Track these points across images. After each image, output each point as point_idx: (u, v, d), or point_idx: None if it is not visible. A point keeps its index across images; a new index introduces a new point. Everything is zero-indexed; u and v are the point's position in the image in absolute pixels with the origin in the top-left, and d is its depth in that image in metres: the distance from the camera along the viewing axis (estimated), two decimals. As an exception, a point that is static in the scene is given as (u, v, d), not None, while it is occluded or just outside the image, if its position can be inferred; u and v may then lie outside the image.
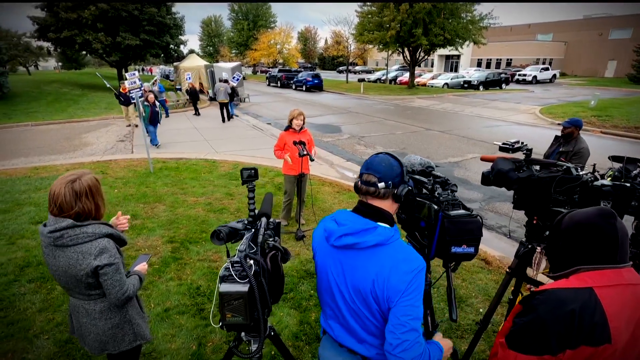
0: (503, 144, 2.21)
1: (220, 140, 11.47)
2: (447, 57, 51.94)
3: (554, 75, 37.97)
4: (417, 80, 32.13)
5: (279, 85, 34.07)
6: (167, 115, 15.76)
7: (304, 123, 4.83)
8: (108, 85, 12.52)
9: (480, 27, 26.40)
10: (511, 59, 48.75)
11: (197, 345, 3.01)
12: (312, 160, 4.71)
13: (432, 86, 31.45)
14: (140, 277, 1.98)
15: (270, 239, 1.68)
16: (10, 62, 42.24)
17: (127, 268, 2.05)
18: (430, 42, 25.41)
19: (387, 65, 39.50)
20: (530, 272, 2.24)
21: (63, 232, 1.66)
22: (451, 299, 1.74)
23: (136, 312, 1.95)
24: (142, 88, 8.61)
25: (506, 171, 2.02)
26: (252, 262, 1.46)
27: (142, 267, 2.08)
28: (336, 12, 66.19)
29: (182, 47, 34.16)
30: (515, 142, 2.18)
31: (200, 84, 22.98)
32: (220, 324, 1.46)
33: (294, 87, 31.51)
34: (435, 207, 1.55)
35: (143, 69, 59.82)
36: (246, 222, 1.66)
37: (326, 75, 46.24)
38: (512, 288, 2.49)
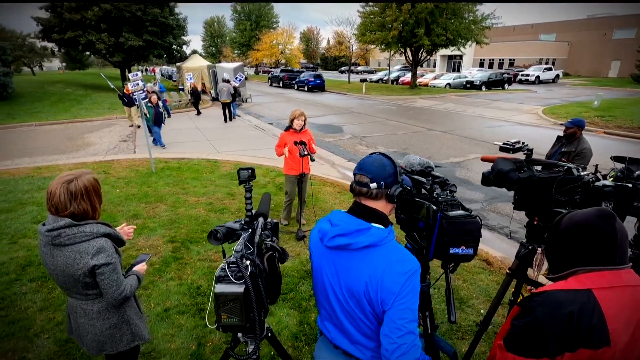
0: (504, 144, 2.19)
1: (222, 140, 11.48)
2: (450, 57, 51.83)
3: (557, 76, 37.80)
4: (419, 80, 32.06)
5: (281, 85, 34.09)
6: (169, 116, 15.80)
7: (304, 123, 4.82)
8: (112, 86, 12.56)
9: (483, 27, 26.31)
10: (514, 59, 48.58)
11: (196, 345, 3.00)
12: (312, 160, 4.70)
13: (434, 86, 31.36)
14: (138, 277, 1.98)
15: (268, 239, 1.67)
16: (14, 63, 42.52)
17: (124, 269, 2.05)
18: (432, 42, 25.35)
19: (389, 65, 39.46)
20: (531, 273, 2.22)
21: (61, 231, 1.66)
22: (450, 301, 1.73)
23: (134, 312, 1.95)
24: (145, 89, 8.63)
25: (506, 171, 2.00)
26: (248, 262, 1.46)
27: (141, 267, 2.08)
28: (338, 13, 66.30)
29: (184, 47, 34.23)
30: (515, 142, 2.17)
31: (203, 84, 23.02)
32: (216, 325, 1.45)
33: (296, 87, 31.53)
34: (434, 207, 1.54)
35: (146, 70, 59.98)
36: (243, 222, 1.66)
37: (328, 75, 46.23)
38: (513, 289, 2.48)
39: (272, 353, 2.91)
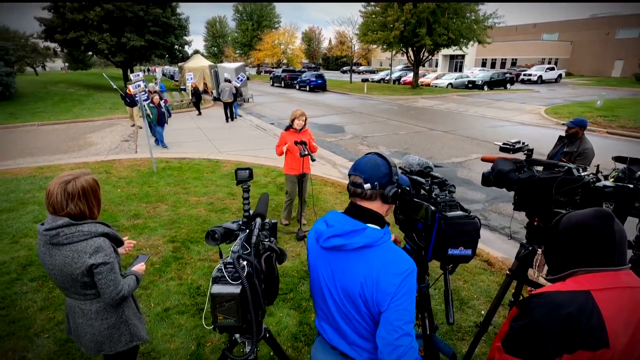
0: (504, 144, 2.18)
1: (223, 140, 11.49)
2: (452, 57, 51.73)
3: (560, 75, 37.65)
4: (421, 80, 32.01)
5: (282, 85, 34.10)
6: (169, 115, 15.82)
7: (305, 123, 4.82)
8: (114, 87, 12.59)
9: (485, 27, 26.23)
10: (516, 59, 48.44)
11: (196, 346, 3.00)
12: (313, 160, 4.70)
13: (436, 86, 31.31)
14: (137, 277, 1.97)
15: (266, 240, 1.67)
16: (18, 63, 42.69)
17: (124, 269, 2.05)
18: (434, 42, 25.29)
19: (391, 65, 39.40)
20: (532, 274, 2.21)
21: (59, 230, 1.66)
22: (448, 302, 1.72)
23: (132, 312, 1.95)
24: (147, 89, 8.65)
25: (506, 172, 1.99)
26: (245, 263, 1.45)
27: (139, 267, 2.08)
28: (340, 13, 66.19)
29: (186, 47, 34.32)
30: (516, 143, 2.15)
31: (205, 84, 23.06)
32: (213, 325, 1.44)
33: (297, 87, 31.53)
34: (432, 208, 1.53)
35: (149, 70, 60.12)
36: (241, 222, 1.65)
37: (330, 75, 46.21)
38: (514, 290, 2.47)
39: (271, 354, 2.90)
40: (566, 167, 1.91)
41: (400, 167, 1.89)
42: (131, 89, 7.85)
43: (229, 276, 1.40)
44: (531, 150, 2.11)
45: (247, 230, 1.62)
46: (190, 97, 17.37)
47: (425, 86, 31.53)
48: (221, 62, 46.39)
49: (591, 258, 1.18)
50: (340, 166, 8.85)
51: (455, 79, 31.08)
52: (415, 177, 1.74)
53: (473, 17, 25.89)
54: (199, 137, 11.97)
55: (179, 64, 30.96)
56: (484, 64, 50.41)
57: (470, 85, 29.91)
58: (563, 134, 4.91)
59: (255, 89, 29.01)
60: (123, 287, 1.80)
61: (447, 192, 1.61)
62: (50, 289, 3.71)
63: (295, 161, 4.81)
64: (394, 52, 30.74)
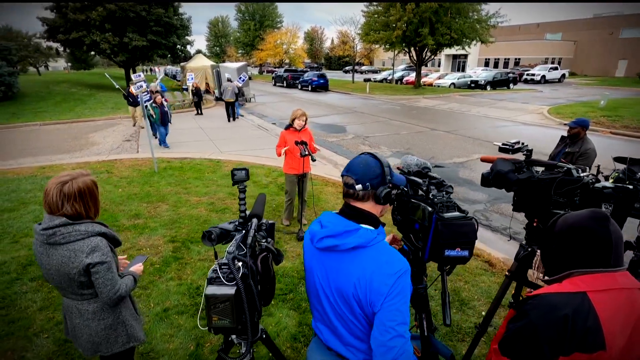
0: (503, 144, 2.16)
1: (224, 140, 11.50)
2: (454, 56, 51.60)
3: (563, 75, 37.50)
4: (423, 80, 31.95)
5: (285, 85, 34.11)
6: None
7: (305, 123, 4.81)
8: (117, 86, 12.61)
9: (488, 26, 26.15)
10: (519, 59, 48.27)
11: (195, 346, 3.00)
12: (313, 160, 4.69)
13: (438, 86, 31.26)
14: (134, 277, 1.97)
15: (263, 241, 1.66)
16: (20, 63, 42.87)
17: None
18: (436, 41, 25.24)
19: (393, 65, 39.34)
20: (532, 275, 2.19)
21: (56, 229, 1.66)
22: (445, 303, 1.71)
23: (130, 313, 1.94)
24: (149, 89, 8.66)
25: (505, 172, 1.98)
26: (240, 264, 1.44)
27: (137, 267, 2.07)
28: (342, 12, 66.16)
29: (188, 47, 34.36)
30: (515, 143, 2.14)
31: (207, 84, 23.09)
32: (208, 326, 1.44)
33: (299, 87, 31.51)
34: (429, 209, 1.52)
35: (151, 70, 60.28)
36: (237, 223, 1.64)
37: (332, 75, 46.17)
38: (513, 292, 2.45)
39: (270, 355, 2.90)
40: (565, 168, 1.89)
41: (398, 168, 1.88)
42: (134, 89, 7.86)
43: (223, 277, 1.39)
44: (530, 151, 2.10)
45: (244, 231, 1.61)
46: (192, 97, 17.40)
47: (428, 86, 31.47)
48: (223, 62, 46.48)
49: (587, 259, 1.17)
50: (341, 166, 8.84)
51: (458, 79, 31.00)
52: (412, 177, 1.73)
53: (476, 17, 25.81)
54: (201, 137, 11.98)
55: (181, 64, 31.01)
56: (486, 64, 50.26)
57: (472, 85, 29.83)
58: (565, 134, 4.88)
59: (257, 89, 29.03)
60: (120, 287, 1.80)
61: (444, 192, 1.59)
62: (50, 288, 3.72)
63: (296, 161, 4.80)
64: (396, 52, 30.73)
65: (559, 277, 1.24)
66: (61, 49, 30.83)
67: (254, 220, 1.61)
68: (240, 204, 1.67)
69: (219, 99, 20.17)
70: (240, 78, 16.40)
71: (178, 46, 31.37)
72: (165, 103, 10.48)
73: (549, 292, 1.19)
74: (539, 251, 2.10)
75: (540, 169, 2.09)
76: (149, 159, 8.49)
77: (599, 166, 2.25)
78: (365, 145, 11.02)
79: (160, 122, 10.14)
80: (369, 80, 37.00)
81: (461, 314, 3.47)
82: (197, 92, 16.67)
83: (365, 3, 28.93)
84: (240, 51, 61.98)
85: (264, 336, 1.76)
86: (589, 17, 48.39)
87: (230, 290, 1.36)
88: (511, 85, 30.33)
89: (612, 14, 45.65)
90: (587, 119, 4.76)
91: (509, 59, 49.70)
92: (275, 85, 36.45)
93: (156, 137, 11.24)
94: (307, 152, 4.51)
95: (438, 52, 29.49)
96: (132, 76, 8.53)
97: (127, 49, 26.48)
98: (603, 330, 1.09)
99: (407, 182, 1.74)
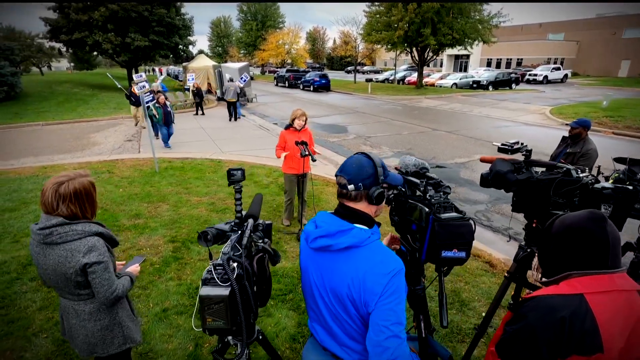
0: (502, 144, 2.15)
1: (226, 140, 11.50)
2: (457, 56, 51.48)
3: (566, 75, 37.36)
4: (425, 80, 31.88)
5: (286, 85, 34.13)
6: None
7: (305, 123, 4.81)
8: (119, 86, 12.64)
9: (490, 26, 26.08)
10: (522, 59, 48.13)
11: (193, 346, 2.99)
12: (313, 160, 4.68)
13: (440, 86, 31.18)
14: (131, 278, 1.96)
15: (260, 241, 1.65)
16: (24, 63, 43.06)
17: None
18: (438, 41, 25.19)
19: (395, 65, 39.30)
20: (531, 277, 2.18)
21: (52, 229, 1.66)
22: (442, 305, 1.69)
23: (126, 314, 1.94)
24: (151, 90, 8.67)
25: (504, 173, 1.96)
26: (235, 265, 1.43)
27: (133, 268, 2.07)
28: (344, 13, 66.15)
29: (191, 47, 34.40)
30: (514, 143, 2.12)
31: (209, 84, 23.12)
32: (202, 327, 1.43)
33: (301, 87, 31.52)
34: (426, 209, 1.51)
35: (153, 70, 60.40)
36: (233, 223, 1.63)
37: (334, 75, 46.16)
38: (513, 293, 2.43)
39: (268, 356, 2.89)
40: (565, 168, 1.88)
41: (396, 168, 1.87)
42: (136, 89, 7.86)
43: (218, 278, 1.38)
44: (529, 151, 2.08)
45: (239, 232, 1.61)
46: (193, 97, 17.46)
47: (430, 86, 31.39)
48: (225, 62, 46.52)
49: (584, 261, 1.16)
50: (342, 166, 8.82)
51: (460, 79, 30.92)
52: (410, 178, 1.72)
53: (478, 17, 25.75)
54: (202, 137, 11.99)
55: (183, 64, 31.07)
56: (489, 64, 50.12)
57: (475, 86, 29.75)
58: (567, 134, 4.86)
59: (259, 89, 29.05)
60: (117, 287, 1.79)
61: (441, 193, 1.58)
62: (49, 288, 3.72)
63: (295, 160, 4.80)
64: (398, 52, 30.68)
65: (556, 279, 1.23)
66: (64, 49, 30.89)
67: (250, 221, 1.61)
68: (237, 204, 1.66)
69: (221, 99, 20.20)
70: (241, 78, 16.42)
71: (180, 46, 31.37)
72: (168, 103, 10.48)
73: (547, 294, 1.18)
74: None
75: (539, 169, 2.08)
76: (150, 159, 8.50)
77: (599, 167, 2.24)
78: (366, 145, 11.00)
79: (163, 122, 10.14)
80: (370, 80, 36.96)
81: (461, 315, 3.46)
82: (198, 93, 16.69)
83: (367, 3, 28.93)
84: (242, 51, 62.04)
85: (261, 337, 1.76)
86: (592, 17, 48.20)
87: (224, 291, 1.35)
88: (513, 86, 30.23)
89: (615, 14, 45.44)
90: (588, 120, 4.74)
91: (511, 59, 49.56)
92: (277, 85, 36.47)
93: (157, 137, 11.26)
94: (307, 152, 4.50)
95: (440, 52, 29.41)
96: (134, 76, 8.55)
97: (130, 49, 26.51)
98: (601, 333, 1.07)
99: (405, 182, 1.73)
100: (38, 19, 26.64)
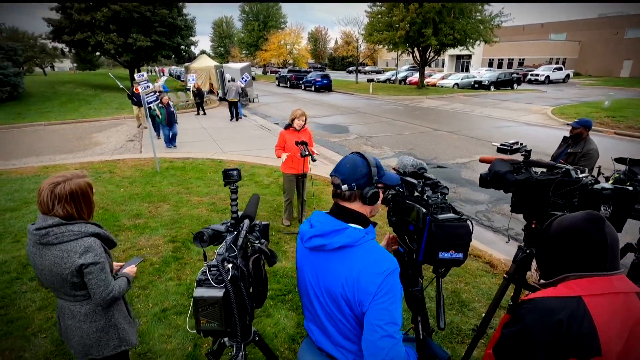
0: (501, 144, 2.13)
1: (227, 140, 11.51)
2: (458, 57, 51.38)
3: (567, 75, 37.24)
4: (427, 80, 31.85)
5: (288, 85, 34.16)
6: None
7: (305, 123, 4.80)
8: (121, 86, 12.66)
9: (492, 26, 26.02)
10: (523, 59, 48.00)
11: (192, 347, 2.99)
12: (314, 160, 4.68)
13: (442, 86, 31.12)
14: (128, 279, 1.95)
15: (257, 242, 1.64)
16: (27, 63, 43.17)
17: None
18: (440, 42, 25.15)
19: (396, 65, 39.26)
20: (530, 278, 2.17)
21: (49, 229, 1.66)
22: (440, 306, 1.68)
23: (123, 316, 1.92)
24: (155, 89, 8.67)
25: (503, 173, 1.95)
26: (230, 266, 1.43)
27: (130, 269, 2.06)
28: (346, 13, 66.10)
29: (192, 48, 34.45)
30: (513, 143, 2.11)
31: (211, 84, 23.16)
32: (196, 329, 1.42)
33: (303, 87, 31.55)
34: (424, 210, 1.50)
35: (156, 70, 60.51)
36: (229, 224, 1.63)
37: (336, 75, 46.15)
38: (512, 294, 2.42)
39: (265, 358, 2.88)
40: (564, 169, 1.86)
41: (394, 168, 1.86)
42: (140, 90, 7.86)
43: (212, 279, 1.38)
44: (529, 151, 2.07)
45: (235, 232, 1.60)
46: (193, 97, 17.51)
47: (431, 86, 31.35)
48: (227, 62, 46.58)
49: (582, 262, 1.15)
50: (343, 166, 8.80)
51: (462, 79, 30.86)
52: (408, 178, 1.71)
53: (479, 17, 25.69)
54: (204, 137, 12.01)
55: (185, 64, 31.14)
56: (490, 64, 50.01)
57: (476, 86, 29.69)
58: (568, 134, 4.83)
59: (261, 89, 29.07)
60: (114, 288, 1.78)
61: (439, 194, 1.57)
62: (48, 289, 3.72)
63: (295, 160, 4.79)
64: (399, 52, 30.65)
65: (554, 281, 1.22)
66: (66, 49, 30.99)
67: (246, 222, 1.60)
68: (232, 205, 1.65)
69: (222, 99, 20.23)
70: (242, 78, 16.45)
71: (182, 47, 31.45)
72: (171, 103, 10.49)
73: (544, 296, 1.17)
74: (538, 253, 2.07)
75: (539, 169, 2.07)
76: (151, 159, 8.51)
77: (599, 167, 2.22)
78: (367, 145, 10.99)
79: (166, 122, 10.14)
80: (372, 80, 36.95)
81: (461, 315, 3.44)
82: (198, 93, 16.73)
83: (368, 3, 28.90)
84: (244, 52, 62.13)
85: (257, 338, 1.75)
86: (594, 17, 48.02)
87: (218, 292, 1.35)
88: (515, 86, 30.15)
89: (617, 14, 45.27)
90: (589, 120, 4.71)
91: (512, 59, 49.44)
92: (278, 85, 36.50)
93: (159, 138, 11.28)
94: (307, 153, 4.50)
95: (441, 52, 29.37)
96: (135, 76, 8.56)
97: (132, 50, 26.58)
98: (599, 336, 1.06)
99: (403, 182, 1.72)
100: (41, 20, 26.75)
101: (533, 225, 2.04)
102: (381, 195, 1.47)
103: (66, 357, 2.84)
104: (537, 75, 35.74)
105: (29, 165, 8.50)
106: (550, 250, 1.23)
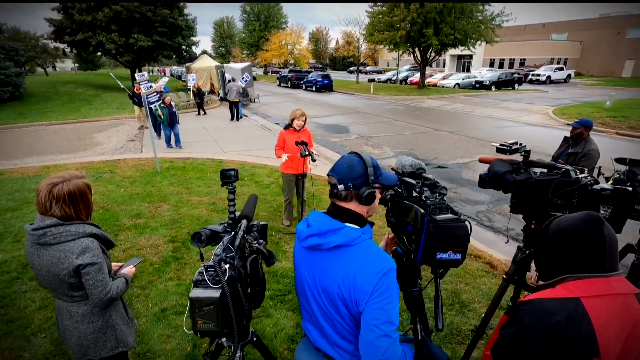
0: (500, 145, 2.12)
1: (228, 140, 11.51)
2: (459, 57, 51.35)
3: (569, 75, 37.16)
4: (428, 80, 31.82)
5: (289, 85, 34.16)
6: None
7: (304, 123, 4.80)
8: (122, 86, 12.67)
9: (493, 26, 25.97)
10: (524, 59, 47.92)
11: (191, 347, 2.98)
12: (314, 160, 4.67)
13: (443, 86, 31.09)
14: (126, 280, 1.95)
15: (255, 242, 1.64)
16: (28, 63, 43.27)
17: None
18: (440, 42, 25.12)
19: (397, 65, 39.23)
20: (530, 278, 2.16)
21: (46, 230, 1.65)
22: (438, 307, 1.68)
23: (120, 317, 1.92)
24: (157, 89, 8.68)
25: (502, 173, 1.94)
26: (227, 266, 1.42)
27: (129, 269, 2.05)
28: (347, 13, 66.12)
29: (194, 48, 34.50)
30: (513, 143, 2.10)
31: (212, 84, 23.18)
32: (193, 330, 1.42)
33: (304, 87, 31.55)
34: (422, 210, 1.49)
35: (158, 70, 60.58)
36: (226, 224, 1.62)
37: (337, 75, 46.12)
38: (512, 295, 2.41)
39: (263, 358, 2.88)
40: (563, 169, 1.86)
41: (392, 169, 1.86)
42: (143, 90, 7.86)
43: (209, 280, 1.37)
44: (528, 152, 2.06)
45: (232, 233, 1.59)
46: (193, 97, 17.54)
47: (432, 86, 31.32)
48: (228, 62, 46.63)
49: (581, 264, 1.14)
50: (343, 167, 8.79)
51: (463, 79, 30.82)
52: (406, 178, 1.70)
53: (479, 17, 25.66)
54: (204, 137, 12.01)
55: (186, 65, 31.18)
56: (491, 64, 49.94)
57: (477, 86, 29.65)
58: (568, 134, 4.82)
59: (262, 89, 29.08)
60: (111, 289, 1.78)
61: (437, 194, 1.56)
62: (46, 289, 3.72)
63: (294, 160, 4.79)
64: (400, 52, 30.63)
65: (552, 282, 1.21)
66: (68, 49, 31.06)
67: (244, 222, 1.59)
68: (230, 205, 1.65)
69: (223, 99, 20.25)
70: (242, 78, 16.45)
71: (183, 47, 31.51)
72: (173, 104, 10.48)
73: (542, 297, 1.16)
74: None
75: (538, 170, 2.06)
76: (152, 159, 8.51)
77: (599, 167, 2.22)
78: (368, 145, 10.98)
79: (168, 122, 10.14)
80: (373, 80, 36.93)
81: (461, 316, 3.43)
82: (198, 93, 16.75)
83: (369, 3, 28.89)
84: (245, 52, 62.18)
85: (255, 339, 1.74)
86: (596, 17, 47.90)
87: (215, 293, 1.34)
88: (516, 86, 30.11)
89: (619, 14, 45.14)
90: (590, 120, 4.70)
91: (514, 59, 49.37)
92: (279, 85, 36.51)
93: (159, 138, 11.28)
94: (307, 153, 4.49)
95: (442, 52, 29.33)
96: (136, 76, 8.57)
97: (133, 50, 26.64)
98: (597, 337, 1.05)
99: (401, 183, 1.71)
100: (43, 20, 26.82)
101: (532, 226, 2.04)
102: (378, 195, 1.46)
103: (65, 357, 2.84)
104: (539, 75, 35.69)
105: (30, 165, 8.52)
106: (548, 251, 1.22)
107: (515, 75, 31.24)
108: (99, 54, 33.13)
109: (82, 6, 24.44)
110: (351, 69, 60.69)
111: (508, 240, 4.31)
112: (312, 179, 5.54)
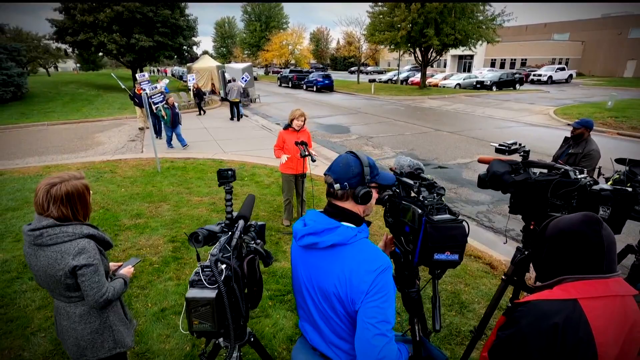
0: (499, 145, 2.12)
1: (228, 140, 11.52)
2: (460, 57, 51.28)
3: (570, 76, 37.09)
4: (428, 80, 31.78)
5: (290, 85, 34.16)
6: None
7: (304, 124, 4.80)
8: (123, 87, 12.68)
9: (494, 26, 25.94)
10: (526, 59, 47.84)
11: (190, 347, 2.98)
12: (313, 161, 4.67)
13: (444, 87, 31.06)
14: (124, 280, 1.94)
15: (252, 243, 1.63)
16: (31, 64, 43.38)
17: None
18: (441, 42, 25.09)
19: (398, 65, 39.20)
20: (529, 279, 2.15)
21: (43, 230, 1.65)
22: (435, 308, 1.67)
23: (118, 317, 1.91)
24: (160, 89, 8.70)
25: (501, 174, 1.94)
26: (223, 266, 1.42)
27: (127, 270, 2.05)
28: (348, 13, 66.08)
29: (195, 48, 34.54)
30: (512, 144, 2.09)
31: (213, 84, 23.19)
32: (189, 330, 1.41)
33: (304, 87, 31.56)
34: (419, 211, 1.49)
35: (158, 70, 60.69)
36: (223, 224, 1.62)
37: (337, 75, 46.12)
38: (511, 296, 2.40)
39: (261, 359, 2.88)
40: (563, 170, 1.85)
41: (391, 169, 1.86)
42: (147, 90, 7.86)
43: (205, 280, 1.37)
44: (527, 152, 2.05)
45: (229, 233, 1.59)
46: (193, 97, 17.57)
47: (433, 86, 31.29)
48: (229, 62, 46.67)
49: (579, 265, 1.13)
50: (344, 167, 8.79)
51: (464, 80, 30.79)
52: (404, 179, 1.70)
53: (480, 18, 25.62)
54: (205, 137, 12.02)
55: (188, 65, 31.22)
56: (493, 64, 49.87)
57: (478, 86, 29.62)
58: (569, 135, 4.81)
59: (263, 89, 29.08)
60: (107, 290, 1.77)
61: (435, 194, 1.56)
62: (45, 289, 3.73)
63: (294, 161, 4.79)
64: (401, 53, 30.60)
65: (550, 283, 1.20)
66: (70, 50, 31.12)
67: (241, 222, 1.59)
68: (227, 205, 1.64)
69: (224, 99, 20.27)
70: (242, 78, 16.45)
71: (184, 47, 31.56)
72: (176, 104, 10.48)
73: (540, 298, 1.15)
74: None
75: (538, 170, 2.05)
76: (153, 159, 8.52)
77: (599, 168, 2.21)
78: (368, 145, 10.98)
79: (170, 123, 10.14)
80: (374, 80, 36.91)
81: (460, 317, 3.42)
82: (198, 93, 16.76)
83: (370, 4, 28.88)
84: (246, 52, 62.24)
85: (252, 339, 1.74)
86: (597, 17, 47.81)
87: (211, 293, 1.34)
88: (517, 86, 30.07)
89: (621, 14, 45.04)
90: (591, 120, 4.68)
91: (515, 59, 49.29)
92: (280, 85, 36.52)
93: (160, 138, 11.30)
94: (307, 153, 4.49)
95: (443, 52, 29.29)
96: (137, 76, 8.59)
97: (134, 50, 26.69)
98: (595, 340, 1.04)
99: (399, 183, 1.71)
100: (44, 21, 26.89)
101: (531, 227, 2.03)
102: (375, 195, 1.46)
103: (65, 356, 2.85)
104: (540, 75, 35.63)
105: (31, 165, 8.53)
106: (546, 252, 1.21)
107: (517, 75, 31.18)
108: (100, 54, 33.24)
109: (83, 7, 24.50)
110: (352, 69, 60.64)
111: (506, 241, 4.30)
112: (311, 179, 5.54)
